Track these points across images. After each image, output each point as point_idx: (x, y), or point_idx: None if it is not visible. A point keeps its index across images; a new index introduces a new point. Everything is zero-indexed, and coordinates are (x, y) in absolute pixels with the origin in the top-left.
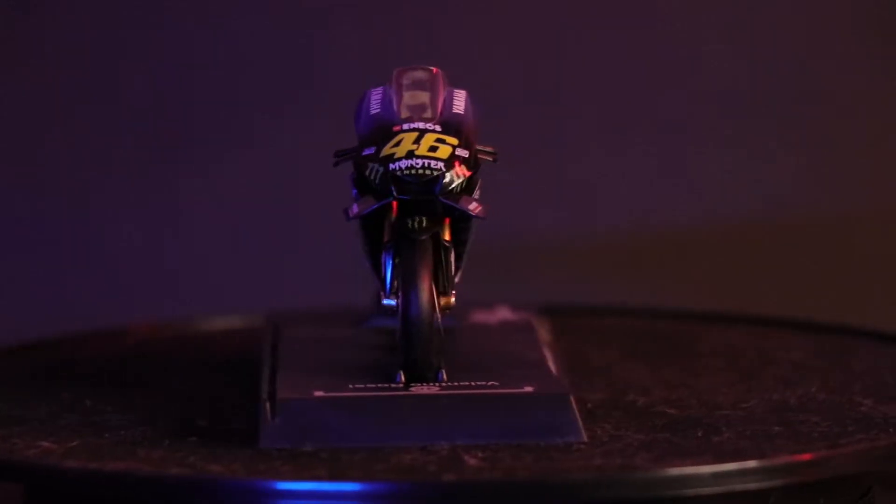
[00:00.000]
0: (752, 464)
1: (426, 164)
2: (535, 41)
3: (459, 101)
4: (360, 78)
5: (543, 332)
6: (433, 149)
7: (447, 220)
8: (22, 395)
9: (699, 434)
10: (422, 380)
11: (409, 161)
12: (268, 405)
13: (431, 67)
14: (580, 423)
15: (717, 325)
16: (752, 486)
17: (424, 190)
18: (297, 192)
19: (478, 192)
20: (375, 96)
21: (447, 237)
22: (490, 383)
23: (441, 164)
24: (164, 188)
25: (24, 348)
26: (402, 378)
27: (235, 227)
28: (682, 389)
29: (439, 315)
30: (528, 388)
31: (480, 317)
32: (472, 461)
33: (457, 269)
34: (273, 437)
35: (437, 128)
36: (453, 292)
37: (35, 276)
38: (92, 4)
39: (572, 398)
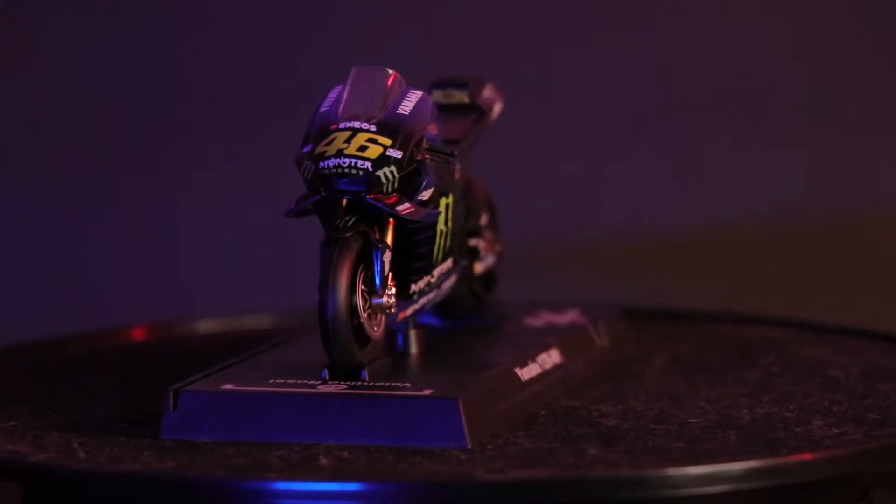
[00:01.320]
0: (571, 475)
1: (353, 164)
2: (540, 42)
3: (409, 103)
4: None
5: (597, 337)
6: (363, 148)
7: (391, 222)
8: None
9: (584, 447)
10: (343, 378)
11: (338, 160)
12: (171, 396)
13: (388, 68)
14: (465, 429)
15: (814, 336)
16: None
17: (350, 189)
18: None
19: (426, 193)
20: (332, 95)
21: (388, 237)
22: (403, 385)
23: (368, 164)
24: (165, 188)
25: (22, 348)
26: (326, 375)
27: (237, 227)
28: (664, 401)
29: (366, 314)
30: (427, 392)
31: (537, 318)
32: (324, 461)
33: (418, 269)
34: (171, 429)
35: (372, 128)
36: (388, 292)
37: (34, 277)
38: (92, 4)
39: (461, 404)
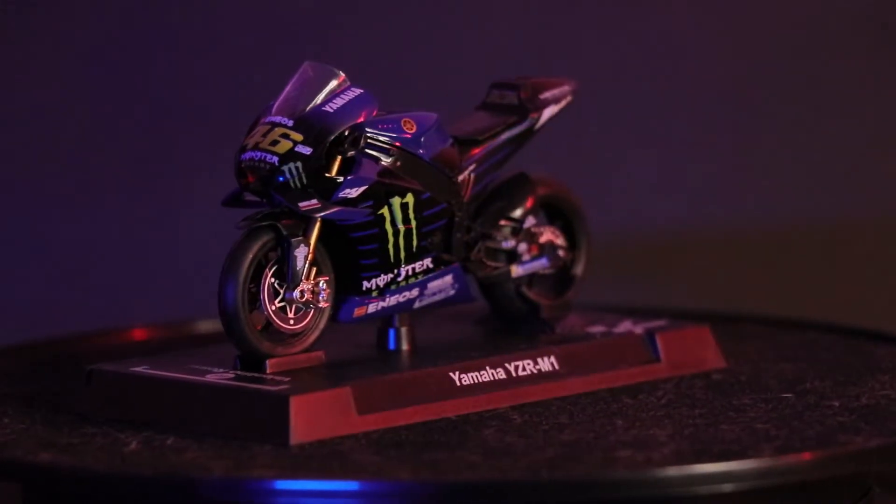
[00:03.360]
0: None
1: (262, 158)
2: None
3: (340, 101)
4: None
5: (652, 350)
6: (274, 143)
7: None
8: None
9: (385, 455)
10: (250, 369)
11: (252, 153)
12: (86, 374)
13: (334, 67)
14: (291, 428)
15: None
16: None
17: (260, 182)
18: None
19: (352, 191)
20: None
21: (314, 233)
22: (280, 379)
23: (275, 159)
24: (165, 187)
25: (20, 347)
26: (238, 366)
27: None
28: (593, 417)
29: (275, 307)
30: (278, 388)
31: (599, 326)
32: (134, 447)
33: (369, 267)
34: (82, 405)
35: (290, 122)
36: (301, 287)
37: (34, 277)
38: (91, 6)
39: (292, 402)
